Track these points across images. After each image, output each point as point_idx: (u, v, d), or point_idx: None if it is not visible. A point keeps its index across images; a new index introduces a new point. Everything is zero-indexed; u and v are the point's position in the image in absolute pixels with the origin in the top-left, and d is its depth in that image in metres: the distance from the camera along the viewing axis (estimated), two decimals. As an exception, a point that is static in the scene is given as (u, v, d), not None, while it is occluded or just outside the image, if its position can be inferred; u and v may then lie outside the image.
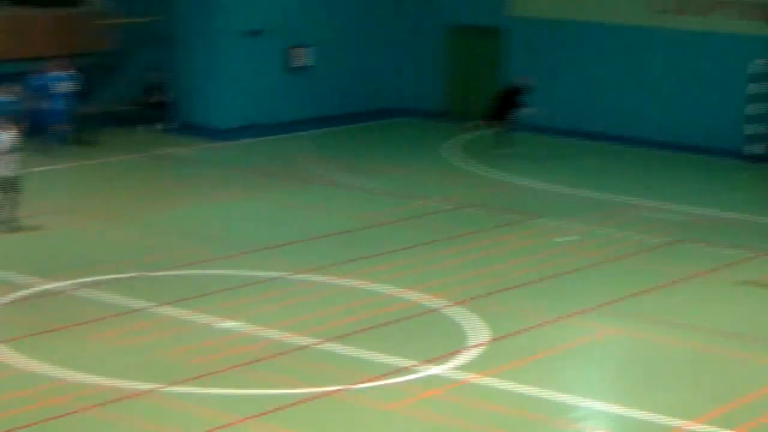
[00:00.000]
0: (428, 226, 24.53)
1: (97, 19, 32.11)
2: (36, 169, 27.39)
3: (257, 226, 24.54)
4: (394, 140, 33.35)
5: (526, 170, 28.74)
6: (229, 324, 17.49)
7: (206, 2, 32.15)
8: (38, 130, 29.24)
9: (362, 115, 34.90)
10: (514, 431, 13.62)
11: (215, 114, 32.28)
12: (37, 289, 18.83)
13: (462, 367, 15.21)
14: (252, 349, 16.41)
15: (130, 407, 14.03)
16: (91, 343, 16.57)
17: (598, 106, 33.26)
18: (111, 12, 32.72)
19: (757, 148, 30.67)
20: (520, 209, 25.36)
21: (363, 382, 14.64)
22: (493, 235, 23.53)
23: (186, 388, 14.59)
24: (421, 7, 35.53)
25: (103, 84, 31.80)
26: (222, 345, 16.53)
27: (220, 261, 21.26)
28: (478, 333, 16.91)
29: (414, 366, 15.26)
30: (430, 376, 14.87)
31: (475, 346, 16.35)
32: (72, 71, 29.82)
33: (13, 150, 22.07)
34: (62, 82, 29.36)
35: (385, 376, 15.06)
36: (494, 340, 16.56)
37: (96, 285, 19.31)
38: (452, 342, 16.35)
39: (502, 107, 30.84)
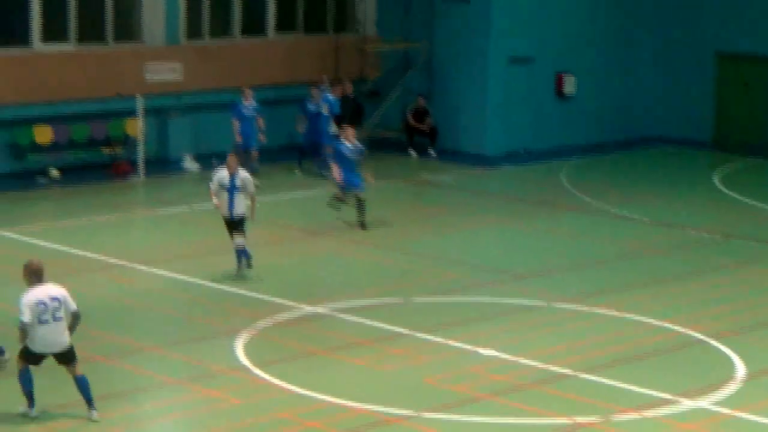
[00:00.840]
0: (694, 256, 23.60)
1: (364, 45, 32.92)
2: (300, 193, 28.78)
3: (518, 253, 24.01)
4: (660, 168, 32.44)
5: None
6: (486, 352, 17.19)
7: (475, 29, 31.26)
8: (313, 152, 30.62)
9: (624, 143, 34.40)
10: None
11: (479, 141, 31.69)
12: (299, 312, 19.20)
13: (720, 402, 14.28)
14: (508, 378, 16.16)
15: None
16: (350, 367, 16.77)
17: None
18: (376, 38, 33.51)
19: None
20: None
21: (619, 414, 13.98)
22: (762, 268, 21.76)
23: (439, 414, 14.40)
24: (690, 34, 34.12)
25: (367, 109, 31.80)
26: (478, 373, 16.34)
27: (480, 287, 20.80)
28: (738, 367, 15.81)
29: (671, 399, 14.44)
30: (688, 409, 14.06)
31: (734, 380, 15.20)
32: (342, 96, 29.89)
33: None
34: (333, 105, 29.57)
35: (641, 408, 14.20)
36: (755, 375, 15.51)
37: (358, 310, 19.51)
38: (711, 376, 15.36)
39: None
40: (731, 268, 22.54)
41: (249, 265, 21.23)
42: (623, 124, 34.61)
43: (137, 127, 28.66)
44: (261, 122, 28.92)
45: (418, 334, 18.10)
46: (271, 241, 24.60)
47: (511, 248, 24.70)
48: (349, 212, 24.70)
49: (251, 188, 21.10)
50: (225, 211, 20.83)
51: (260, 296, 20.17)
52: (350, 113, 30.27)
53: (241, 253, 21.27)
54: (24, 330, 12.43)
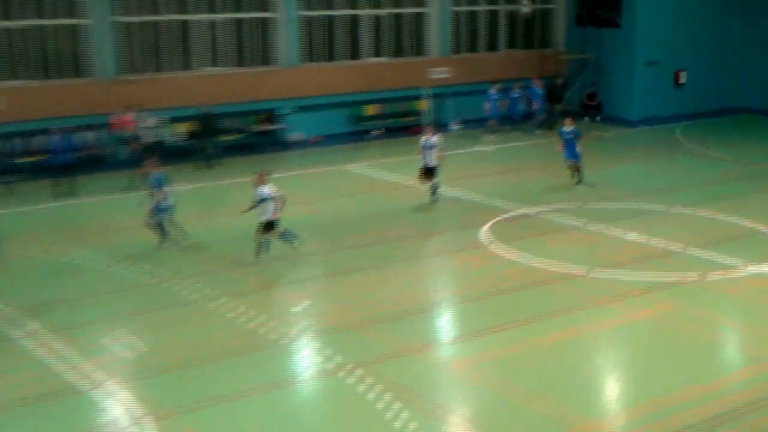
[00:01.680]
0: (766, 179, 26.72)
1: (556, 56, 37.99)
2: (516, 143, 33.26)
3: (651, 178, 27.58)
4: (740, 128, 35.88)
5: None
6: (631, 235, 20.96)
7: (622, 43, 35.94)
8: (520, 121, 35.11)
9: (717, 112, 37.76)
10: None
11: (627, 111, 36.18)
12: (515, 212, 23.10)
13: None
14: (645, 251, 19.97)
15: (568, 283, 17.88)
16: (547, 244, 20.39)
17: None
18: (565, 51, 38.09)
19: None
20: None
21: (712, 274, 17.98)
22: None
23: (606, 272, 18.50)
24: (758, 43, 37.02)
25: (560, 93, 35.86)
26: (626, 248, 20.19)
27: (629, 198, 24.65)
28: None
29: (742, 265, 18.50)
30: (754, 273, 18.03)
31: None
32: (541, 87, 34.93)
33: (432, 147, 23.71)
34: (537, 93, 34.91)
35: (729, 271, 18.21)
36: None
37: (552, 212, 23.34)
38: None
39: None
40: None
41: (434, 194, 23.86)
42: (717, 100, 37.81)
43: (424, 105, 33.86)
44: (503, 104, 34.15)
45: (589, 226, 22.04)
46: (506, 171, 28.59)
47: (647, 175, 28.05)
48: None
49: (440, 147, 23.75)
50: (423, 162, 23.77)
51: (494, 203, 24.09)
52: (556, 96, 35.24)
53: (435, 187, 23.70)
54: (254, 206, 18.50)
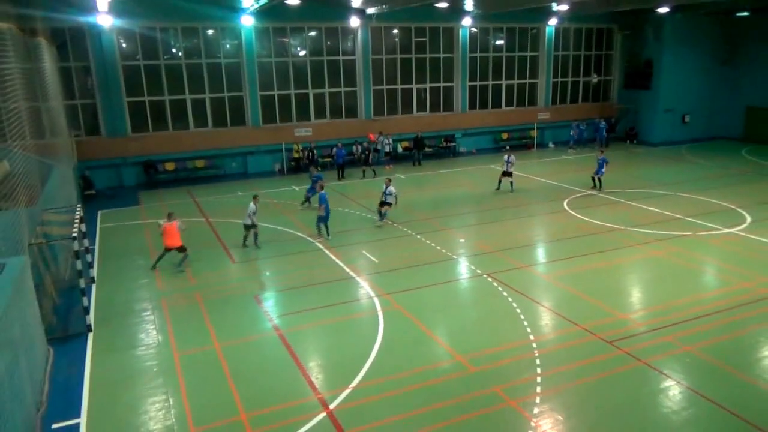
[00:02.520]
0: None
1: (612, 106, 34.91)
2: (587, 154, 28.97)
3: (668, 173, 25.01)
4: (719, 150, 31.16)
5: None
6: (651, 208, 19.88)
7: (651, 98, 32.87)
8: (588, 142, 32.48)
9: (707, 139, 34.04)
10: None
11: (652, 137, 33.13)
12: (585, 193, 21.75)
13: (742, 230, 17.40)
14: (659, 218, 19.07)
15: (613, 233, 17.71)
16: (602, 211, 19.89)
17: None
18: (617, 102, 34.64)
19: None
20: None
21: (700, 232, 17.18)
22: None
23: (634, 229, 17.96)
24: (735, 96, 32.74)
25: (614, 127, 33.76)
26: (648, 215, 19.24)
27: (651, 186, 23.01)
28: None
29: (719, 228, 17.88)
30: (726, 232, 17.14)
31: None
32: (604, 122, 32.41)
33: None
34: (602, 125, 32.43)
35: (710, 231, 17.31)
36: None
37: (605, 193, 21.89)
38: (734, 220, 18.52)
39: None
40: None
41: (511, 186, 23.15)
42: (706, 131, 34.29)
43: (534, 133, 32.30)
44: (577, 132, 31.72)
45: (628, 202, 20.83)
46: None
47: (663, 173, 25.41)
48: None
49: (514, 162, 22.26)
50: (505, 168, 22.21)
51: (573, 187, 23.05)
52: (611, 128, 33.51)
53: (511, 183, 22.22)
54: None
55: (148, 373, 9.86)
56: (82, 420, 8.56)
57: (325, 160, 27.79)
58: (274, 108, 27.77)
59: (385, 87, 29.76)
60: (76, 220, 12.60)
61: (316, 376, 9.58)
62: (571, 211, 19.24)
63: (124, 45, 24.80)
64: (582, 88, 34.72)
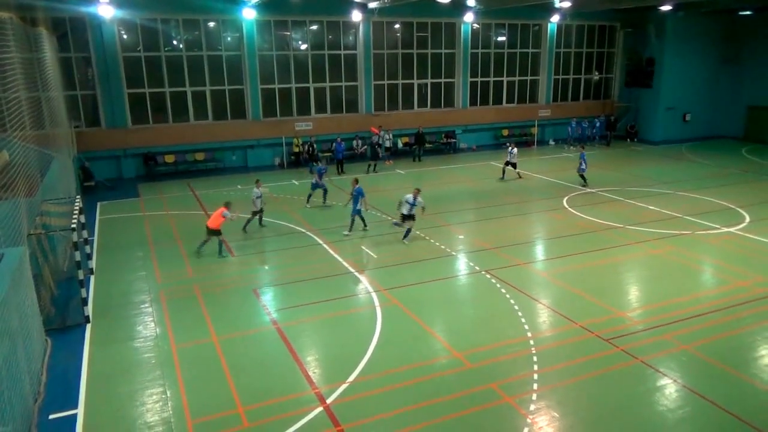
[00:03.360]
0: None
1: (612, 104, 34.81)
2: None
3: (668, 174, 25.13)
4: (720, 148, 31.64)
5: None
6: (650, 207, 19.72)
7: (652, 97, 32.55)
8: (587, 140, 32.48)
9: (706, 138, 34.04)
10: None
11: (653, 135, 33.18)
12: (584, 191, 21.55)
13: (740, 229, 17.62)
14: (658, 216, 19.05)
15: (611, 231, 17.40)
16: (601, 209, 19.60)
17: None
18: (618, 101, 34.49)
19: None
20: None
21: (699, 231, 17.18)
22: None
23: (633, 227, 17.88)
24: (736, 95, 33.14)
25: (614, 125, 33.26)
26: (647, 214, 19.15)
27: (651, 185, 22.82)
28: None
29: (717, 227, 17.91)
30: (725, 231, 17.33)
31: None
32: (598, 120, 32.99)
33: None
34: (595, 123, 32.72)
35: (708, 230, 17.44)
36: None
37: (604, 191, 22.21)
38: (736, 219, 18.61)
39: None
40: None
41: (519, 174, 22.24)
42: (706, 130, 34.40)
43: (534, 130, 32.64)
44: (577, 129, 31.79)
45: (627, 200, 20.88)
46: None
47: (663, 172, 25.48)
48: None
49: (516, 154, 23.15)
50: (508, 158, 23.18)
51: (571, 185, 22.82)
52: (611, 126, 33.12)
53: (517, 172, 23.13)
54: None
55: (146, 365, 9.84)
56: (80, 411, 8.56)
57: (325, 154, 27.74)
58: (275, 102, 27.69)
59: (386, 82, 29.72)
60: (76, 211, 12.58)
61: (314, 371, 9.57)
62: (570, 209, 19.20)
63: (125, 36, 24.81)
64: (583, 85, 34.68)
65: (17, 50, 11.93)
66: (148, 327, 11.19)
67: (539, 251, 15.58)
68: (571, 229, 17.02)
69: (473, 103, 31.97)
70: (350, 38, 28.55)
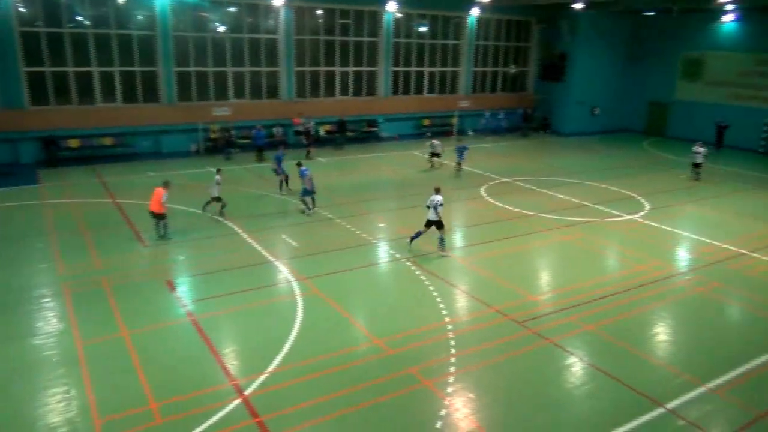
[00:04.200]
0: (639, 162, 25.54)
1: (529, 96, 36.03)
2: (507, 143, 30.81)
3: (577, 165, 25.86)
4: (622, 141, 32.93)
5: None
6: (561, 195, 20.59)
7: (564, 91, 34.16)
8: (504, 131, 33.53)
9: (612, 131, 35.59)
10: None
11: (563, 127, 34.46)
12: (500, 180, 22.45)
13: (641, 216, 18.67)
14: (567, 205, 19.68)
15: (525, 219, 17.64)
16: (515, 197, 20.09)
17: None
18: (534, 93, 35.84)
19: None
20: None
21: (605, 219, 18.34)
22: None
23: (544, 215, 18.60)
24: (640, 91, 34.58)
25: (530, 117, 34.01)
26: (558, 202, 19.97)
27: (561, 175, 23.66)
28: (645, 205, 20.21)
29: (621, 214, 19.01)
30: (627, 219, 18.20)
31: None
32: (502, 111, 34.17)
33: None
34: (504, 116, 34.28)
35: (613, 217, 18.61)
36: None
37: (519, 180, 22.77)
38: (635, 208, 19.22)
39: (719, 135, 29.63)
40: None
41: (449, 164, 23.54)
42: (613, 123, 35.84)
43: (454, 120, 32.20)
44: (492, 121, 33.44)
45: (539, 189, 21.56)
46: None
47: (572, 163, 26.27)
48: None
49: (441, 145, 23.94)
50: (432, 150, 23.75)
51: (489, 174, 23.42)
52: (527, 118, 33.91)
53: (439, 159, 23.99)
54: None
55: (48, 363, 9.29)
56: (-29, 415, 7.96)
57: (244, 141, 27.04)
58: (191, 85, 26.67)
59: (307, 68, 29.42)
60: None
61: (231, 363, 9.39)
62: (487, 198, 19.66)
63: (22, 9, 22.98)
64: (501, 78, 35.66)
65: None
66: (49, 323, 10.54)
67: (458, 239, 15.87)
68: (488, 217, 17.45)
69: (395, 92, 32.13)
70: (271, 22, 27.93)
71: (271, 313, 11.12)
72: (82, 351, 9.61)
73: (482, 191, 20.62)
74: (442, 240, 14.34)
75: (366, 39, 30.62)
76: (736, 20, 30.44)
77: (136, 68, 25.23)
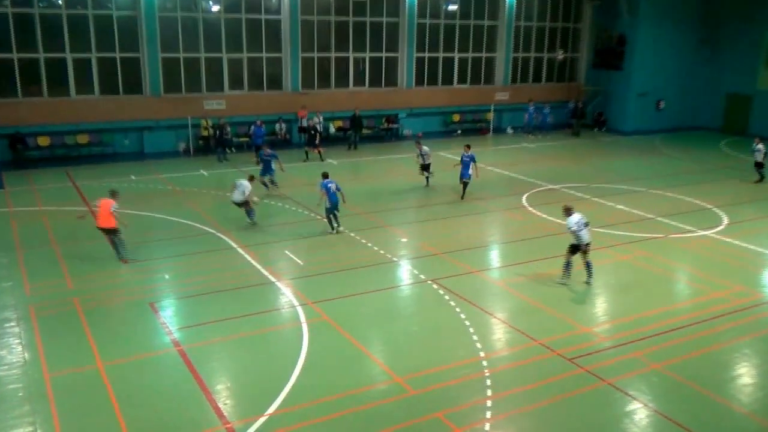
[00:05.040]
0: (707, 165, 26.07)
1: (579, 87, 35.97)
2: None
3: (639, 169, 26.35)
4: (699, 141, 33.20)
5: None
6: (620, 206, 20.84)
7: (623, 81, 33.95)
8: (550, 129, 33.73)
9: (682, 129, 35.67)
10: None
11: (623, 125, 34.55)
12: (545, 187, 22.70)
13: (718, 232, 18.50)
14: (629, 217, 19.70)
15: None
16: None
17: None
18: (585, 84, 35.78)
19: None
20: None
21: (673, 235, 18.11)
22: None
23: (600, 230, 18.49)
24: (715, 81, 34.80)
25: (582, 112, 34.13)
26: (617, 214, 20.42)
27: (621, 181, 23.98)
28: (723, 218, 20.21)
29: (693, 230, 19.03)
30: (701, 235, 18.13)
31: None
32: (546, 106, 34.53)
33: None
34: (549, 111, 34.17)
35: (684, 233, 18.21)
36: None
37: (569, 188, 22.55)
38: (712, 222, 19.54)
39: None
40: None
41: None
42: (683, 120, 35.85)
43: (490, 116, 33.29)
44: (537, 116, 33.03)
45: (594, 199, 21.72)
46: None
47: (634, 167, 26.45)
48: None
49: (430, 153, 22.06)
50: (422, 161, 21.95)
51: (525, 179, 24.01)
52: (578, 113, 33.92)
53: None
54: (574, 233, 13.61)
55: (11, 398, 9.41)
56: None
57: (242, 140, 27.36)
58: (179, 74, 27.14)
59: (316, 55, 29.84)
60: None
61: (225, 402, 9.42)
62: (530, 208, 19.70)
63: (-16, -14, 23.64)
64: (546, 65, 35.78)
65: None
66: (13, 351, 10.70)
67: (494, 257, 15.86)
68: (531, 231, 17.43)
69: (419, 82, 32.46)
70: (273, 0, 28.36)
71: (271, 344, 11.17)
72: (50, 384, 9.72)
73: (524, 200, 20.67)
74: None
75: (385, 19, 30.92)
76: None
77: (117, 54, 25.81)
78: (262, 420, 8.93)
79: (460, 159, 20.58)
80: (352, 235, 16.83)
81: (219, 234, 16.65)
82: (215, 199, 19.81)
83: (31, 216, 17.83)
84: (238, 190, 17.17)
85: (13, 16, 24.02)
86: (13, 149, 24.21)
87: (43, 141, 24.91)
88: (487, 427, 8.98)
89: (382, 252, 15.62)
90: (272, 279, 13.82)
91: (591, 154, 28.96)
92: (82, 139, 25.55)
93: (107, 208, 14.38)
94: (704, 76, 35.38)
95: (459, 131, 32.71)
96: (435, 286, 13.65)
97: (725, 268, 15.06)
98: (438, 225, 17.95)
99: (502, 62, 34.12)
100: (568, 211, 13.96)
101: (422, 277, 14.18)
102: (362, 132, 29.72)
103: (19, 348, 10.81)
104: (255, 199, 17.36)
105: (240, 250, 15.49)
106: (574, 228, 13.51)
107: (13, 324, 11.65)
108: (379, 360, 10.69)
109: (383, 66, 31.52)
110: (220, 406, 9.28)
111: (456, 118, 33.48)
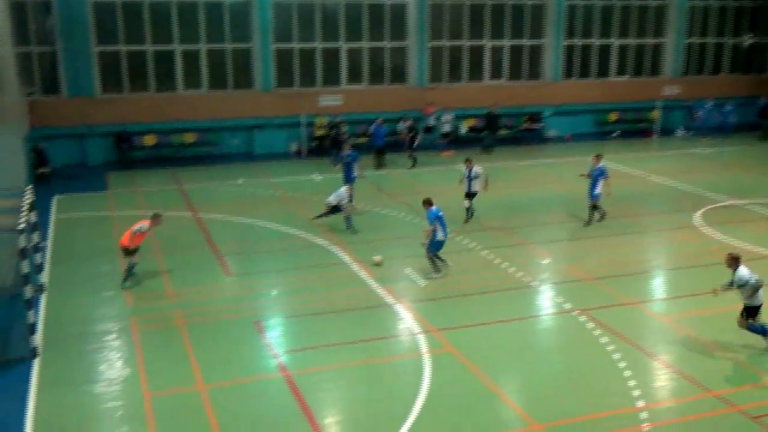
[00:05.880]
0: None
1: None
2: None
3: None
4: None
5: None
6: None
7: None
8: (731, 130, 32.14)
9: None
10: None
11: None
12: (724, 203, 21.62)
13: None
14: None
15: (764, 262, 16.65)
16: (755, 229, 19.28)
17: None
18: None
19: None
20: None
21: None
22: None
23: None
24: None
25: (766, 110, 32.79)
26: None
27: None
28: None
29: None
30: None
31: None
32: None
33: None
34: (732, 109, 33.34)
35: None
36: None
37: (758, 205, 21.52)
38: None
39: None
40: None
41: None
42: None
43: (656, 114, 32.08)
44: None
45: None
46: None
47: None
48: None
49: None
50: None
51: (699, 192, 23.02)
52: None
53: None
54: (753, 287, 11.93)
55: (110, 417, 9.96)
56: (20, 476, 8.84)
57: (360, 141, 27.92)
58: (292, 67, 28.17)
59: (446, 43, 30.05)
60: (24, 208, 12.87)
61: (333, 438, 9.62)
62: (703, 228, 19.01)
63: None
64: (729, 52, 34.36)
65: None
66: (113, 366, 11.41)
67: (658, 286, 15.32)
68: (704, 256, 16.62)
69: (568, 74, 32.13)
70: (399, -18, 28.88)
71: (388, 375, 11.29)
72: (149, 405, 10.30)
73: (696, 218, 19.95)
74: None
75: (529, 1, 30.68)
76: None
77: (227, 45, 27.14)
78: (375, 462, 9.11)
79: (588, 172, 19.10)
80: (484, 253, 16.74)
81: (330, 247, 17.03)
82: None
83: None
84: (335, 193, 17.92)
85: (122, 5, 25.87)
86: (118, 148, 25.99)
87: (149, 140, 26.52)
88: (645, 493, 8.70)
89: (519, 274, 15.44)
90: (390, 301, 13.95)
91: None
92: (189, 138, 27.03)
93: (134, 227, 14.59)
94: None
95: (616, 133, 31.70)
96: (583, 318, 13.34)
97: None
98: (588, 245, 17.57)
99: (672, 49, 33.16)
100: (735, 261, 12.32)
101: (567, 306, 13.90)
102: (499, 133, 29.60)
103: (120, 363, 11.49)
104: (354, 206, 17.78)
105: (353, 266, 15.78)
106: (754, 281, 11.92)
107: (113, 337, 12.40)
108: (512, 402, 10.56)
109: (525, 55, 31.36)
110: (329, 442, 9.51)
111: (613, 117, 32.86)
